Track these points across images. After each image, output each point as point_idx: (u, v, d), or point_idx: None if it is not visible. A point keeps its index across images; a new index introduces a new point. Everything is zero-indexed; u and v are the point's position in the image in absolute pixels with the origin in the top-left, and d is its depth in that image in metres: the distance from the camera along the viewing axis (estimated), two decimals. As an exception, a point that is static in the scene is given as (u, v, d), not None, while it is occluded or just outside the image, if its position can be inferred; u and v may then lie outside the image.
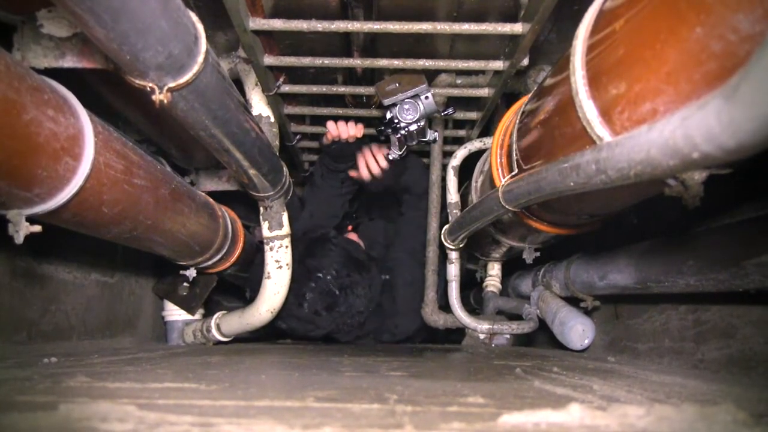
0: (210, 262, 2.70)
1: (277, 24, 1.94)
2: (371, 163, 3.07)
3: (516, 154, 1.74)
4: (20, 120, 1.23)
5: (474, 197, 2.58)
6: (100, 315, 2.81)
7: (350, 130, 2.93)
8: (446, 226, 2.77)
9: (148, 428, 0.78)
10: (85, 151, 1.48)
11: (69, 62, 1.76)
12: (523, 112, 1.73)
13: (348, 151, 3.13)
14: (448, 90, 2.57)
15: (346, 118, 2.94)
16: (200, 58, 1.31)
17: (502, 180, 1.87)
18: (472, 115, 2.85)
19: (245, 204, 3.09)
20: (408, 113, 2.38)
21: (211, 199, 2.60)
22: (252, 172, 2.16)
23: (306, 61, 2.19)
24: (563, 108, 1.29)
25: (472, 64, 2.25)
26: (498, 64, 2.23)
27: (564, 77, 1.26)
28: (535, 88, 1.69)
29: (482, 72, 2.54)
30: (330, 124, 2.93)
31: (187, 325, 3.24)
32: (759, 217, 1.70)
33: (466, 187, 2.88)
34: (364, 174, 3.12)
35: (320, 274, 2.98)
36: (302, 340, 3.48)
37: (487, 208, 1.88)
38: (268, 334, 3.44)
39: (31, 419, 0.83)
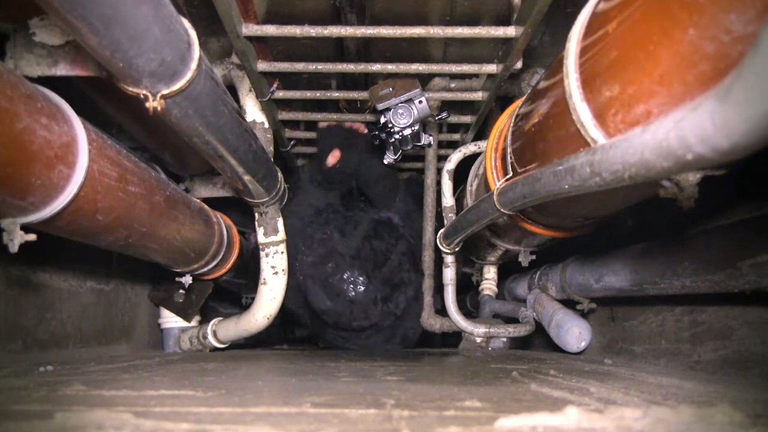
0: (206, 269, 2.69)
1: (270, 30, 1.94)
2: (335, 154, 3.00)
3: (510, 157, 1.75)
4: (13, 128, 1.23)
5: (469, 201, 2.58)
6: (95, 323, 2.80)
7: (330, 160, 2.95)
8: (442, 230, 2.77)
9: (144, 436, 0.78)
10: (79, 159, 1.48)
11: (62, 70, 1.76)
12: (517, 115, 1.73)
13: (346, 177, 3.12)
14: (442, 94, 2.57)
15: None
16: (193, 65, 1.31)
17: (497, 183, 1.87)
18: (466, 118, 2.85)
19: (240, 210, 3.08)
20: (402, 117, 2.38)
21: (206, 206, 2.59)
22: (247, 178, 2.15)
23: (299, 66, 2.19)
24: (557, 110, 1.29)
25: (466, 68, 2.25)
26: (491, 68, 2.23)
27: (558, 80, 1.26)
28: (529, 91, 1.69)
29: (476, 75, 2.55)
30: (333, 155, 2.93)
31: (183, 332, 3.24)
32: (753, 218, 1.70)
33: (461, 191, 2.88)
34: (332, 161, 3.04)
35: (386, 259, 2.90)
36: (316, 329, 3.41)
37: (482, 212, 1.88)
38: (285, 321, 3.37)
39: (27, 428, 0.83)
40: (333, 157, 2.94)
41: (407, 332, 3.23)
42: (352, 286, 2.71)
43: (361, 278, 2.73)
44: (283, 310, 2.91)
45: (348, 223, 2.89)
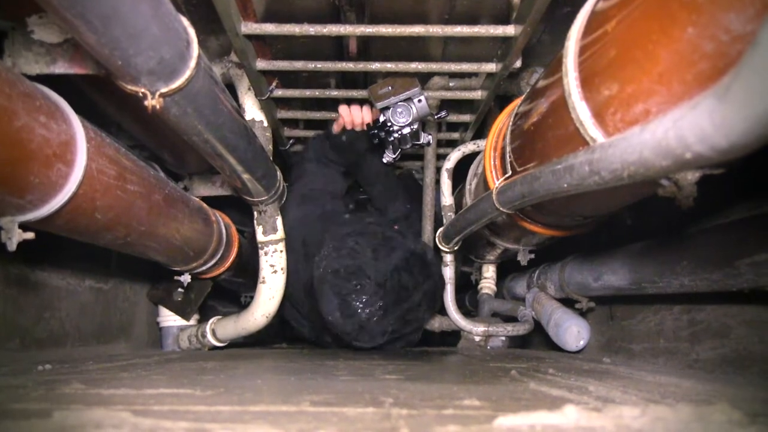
0: (204, 268, 2.69)
1: (269, 28, 1.94)
2: (355, 115, 2.91)
3: (509, 156, 1.74)
4: (12, 127, 1.23)
5: (468, 200, 2.58)
6: (94, 321, 2.80)
7: (365, 116, 2.77)
8: (441, 229, 2.77)
9: (143, 435, 0.78)
10: (78, 158, 1.48)
11: (60, 68, 1.76)
12: (516, 114, 1.73)
13: (358, 145, 2.94)
14: (441, 93, 2.57)
15: (360, 102, 2.78)
16: (192, 63, 1.30)
17: (495, 182, 1.87)
18: (466, 117, 2.85)
19: (239, 209, 3.08)
20: (401, 116, 2.37)
21: (204, 204, 2.59)
22: (245, 176, 2.15)
23: (298, 65, 2.19)
24: (556, 109, 1.29)
25: (465, 67, 2.25)
26: (491, 67, 2.23)
27: (557, 79, 1.26)
28: (528, 90, 1.69)
29: (475, 74, 2.54)
30: (343, 109, 2.76)
31: (182, 330, 3.24)
32: (752, 217, 1.70)
33: (460, 190, 2.88)
34: (346, 119, 2.94)
35: (408, 296, 2.73)
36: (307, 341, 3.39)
37: (481, 211, 1.88)
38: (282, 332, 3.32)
39: (26, 427, 0.83)
40: (338, 125, 2.85)
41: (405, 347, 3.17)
42: (368, 312, 2.67)
43: (380, 308, 2.70)
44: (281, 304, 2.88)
45: (384, 245, 2.83)
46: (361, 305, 2.59)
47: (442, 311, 3.07)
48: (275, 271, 2.71)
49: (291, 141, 3.14)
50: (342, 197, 3.25)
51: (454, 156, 3.00)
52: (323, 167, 3.09)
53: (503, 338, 3.06)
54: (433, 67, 2.26)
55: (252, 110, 2.58)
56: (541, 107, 1.43)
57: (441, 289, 3.00)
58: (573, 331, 2.51)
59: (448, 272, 2.98)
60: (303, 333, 3.16)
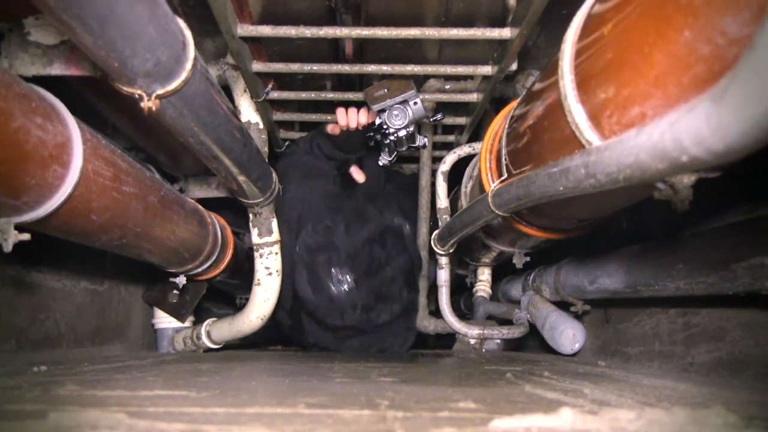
0: (200, 269, 2.69)
1: (266, 30, 1.94)
2: (351, 116, 2.89)
3: (505, 159, 1.75)
4: (7, 128, 1.23)
5: (464, 202, 2.58)
6: (89, 323, 2.79)
7: (360, 118, 2.75)
8: (436, 232, 2.77)
9: (138, 437, 0.78)
10: (74, 159, 1.47)
11: (57, 70, 1.76)
12: (512, 117, 1.74)
13: (355, 141, 2.92)
14: (437, 95, 2.57)
15: (357, 105, 2.77)
16: (188, 65, 1.30)
17: (491, 185, 1.87)
18: (461, 120, 2.85)
19: (235, 211, 3.08)
20: (397, 119, 2.37)
21: (200, 206, 2.59)
22: (241, 178, 2.15)
23: (294, 67, 2.19)
24: (552, 112, 1.29)
25: (461, 69, 2.25)
26: (487, 69, 2.23)
27: (553, 82, 1.26)
28: (524, 93, 1.69)
29: (471, 77, 2.55)
30: (340, 113, 2.74)
31: (177, 332, 3.23)
32: (748, 220, 1.71)
33: (456, 193, 2.88)
34: (342, 122, 2.92)
35: (380, 269, 2.77)
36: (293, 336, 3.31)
37: (476, 213, 1.89)
38: (279, 323, 3.21)
39: (21, 428, 0.82)
40: (334, 127, 2.82)
41: (394, 345, 3.13)
42: (336, 283, 2.66)
43: (349, 280, 2.68)
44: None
45: (358, 218, 2.80)
46: (329, 278, 2.58)
47: (438, 314, 3.08)
48: (270, 273, 2.71)
49: (287, 143, 3.14)
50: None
51: (450, 158, 3.01)
52: (315, 159, 3.07)
53: (498, 341, 3.06)
54: (429, 69, 2.26)
55: (248, 112, 2.58)
56: (537, 110, 1.43)
57: (419, 267, 2.97)
58: (568, 334, 2.51)
59: (444, 275, 2.98)
60: (283, 322, 3.15)
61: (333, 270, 2.64)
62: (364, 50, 2.46)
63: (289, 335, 3.24)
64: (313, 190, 2.94)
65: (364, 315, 2.71)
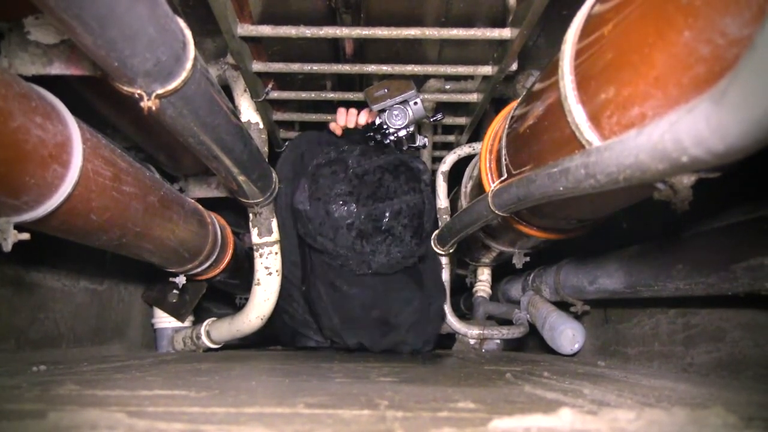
0: (200, 269, 2.69)
1: (266, 30, 1.94)
2: (350, 116, 2.76)
3: (505, 159, 1.75)
4: (7, 127, 1.23)
5: (464, 202, 2.58)
6: (89, 322, 2.79)
7: (360, 119, 2.73)
8: (436, 232, 2.77)
9: (138, 436, 0.78)
10: (74, 159, 1.47)
11: (57, 69, 1.76)
12: (512, 117, 1.74)
13: (355, 137, 2.82)
14: (437, 95, 2.57)
15: (357, 105, 2.74)
16: (188, 65, 1.30)
17: (491, 185, 1.87)
18: (461, 120, 2.85)
19: (235, 211, 3.08)
20: (397, 119, 2.37)
21: (200, 206, 2.59)
22: (241, 178, 2.15)
23: (295, 67, 2.19)
24: (552, 112, 1.29)
25: (461, 70, 2.25)
26: (487, 69, 2.23)
27: (553, 82, 1.26)
28: (524, 93, 1.69)
29: (471, 77, 2.55)
30: (340, 113, 2.72)
31: (176, 332, 3.23)
32: (748, 221, 1.71)
33: (456, 193, 2.89)
34: (341, 122, 2.82)
35: (386, 198, 2.55)
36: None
37: (476, 213, 1.89)
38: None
39: (20, 428, 0.82)
40: (336, 127, 2.77)
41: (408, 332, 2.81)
42: (336, 196, 2.48)
43: (350, 195, 2.52)
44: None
45: (376, 149, 2.64)
46: (329, 189, 2.47)
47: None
48: (270, 273, 2.71)
49: (287, 143, 3.13)
50: None
51: (450, 159, 3.01)
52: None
53: (498, 341, 3.06)
54: (429, 69, 2.26)
55: (248, 112, 2.57)
56: (537, 110, 1.43)
57: (431, 217, 2.74)
58: (568, 335, 2.51)
59: (444, 275, 2.98)
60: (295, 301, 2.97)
61: (336, 183, 2.51)
62: (365, 50, 2.46)
63: (302, 317, 3.00)
64: (317, 140, 2.85)
65: (358, 242, 2.55)
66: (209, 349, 3.11)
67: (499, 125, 1.94)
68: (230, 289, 3.49)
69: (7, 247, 1.40)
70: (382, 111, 2.37)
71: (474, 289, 3.53)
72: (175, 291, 3.16)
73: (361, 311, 2.73)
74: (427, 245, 2.84)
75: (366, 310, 2.73)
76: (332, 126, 2.78)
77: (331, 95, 2.56)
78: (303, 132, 3.00)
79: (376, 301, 2.73)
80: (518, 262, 2.52)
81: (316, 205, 2.50)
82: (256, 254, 2.72)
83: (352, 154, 2.56)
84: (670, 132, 0.70)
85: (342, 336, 2.75)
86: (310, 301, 2.89)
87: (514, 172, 1.68)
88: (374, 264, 2.57)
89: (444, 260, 2.94)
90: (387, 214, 2.48)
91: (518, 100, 1.76)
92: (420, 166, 2.64)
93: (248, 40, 2.03)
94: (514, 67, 2.14)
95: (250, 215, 2.68)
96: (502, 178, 1.79)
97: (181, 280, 2.69)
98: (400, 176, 2.52)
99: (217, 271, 2.87)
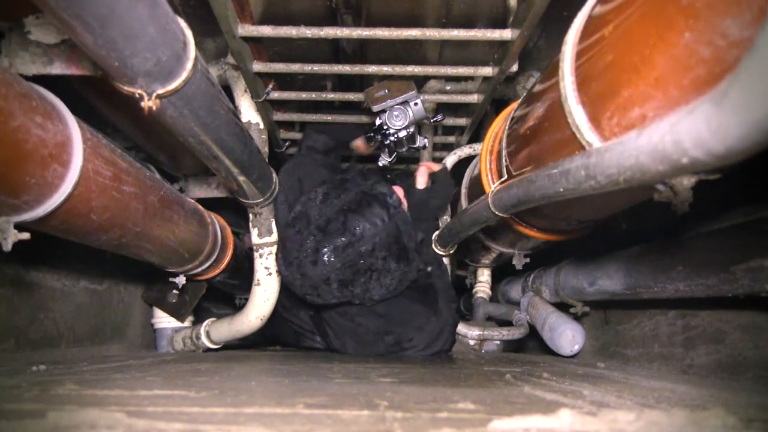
0: (199, 269, 2.69)
1: (266, 30, 1.94)
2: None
3: (505, 160, 1.75)
4: (7, 127, 1.23)
5: (464, 203, 2.58)
6: (89, 322, 2.79)
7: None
8: (436, 233, 2.77)
9: (137, 436, 0.78)
10: (74, 158, 1.47)
11: (57, 69, 1.76)
12: (512, 118, 1.74)
13: (348, 127, 2.96)
14: (438, 96, 2.57)
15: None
16: (189, 65, 1.30)
17: (491, 186, 1.87)
18: (462, 121, 2.85)
19: (235, 211, 3.08)
20: (397, 119, 2.37)
21: (200, 206, 2.59)
22: (241, 178, 2.15)
23: (295, 67, 2.19)
24: (552, 114, 1.29)
25: (462, 71, 2.25)
26: (487, 70, 2.23)
27: (553, 83, 1.26)
28: (525, 94, 1.69)
29: (471, 78, 2.55)
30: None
31: (176, 332, 3.23)
32: (747, 223, 1.71)
33: (456, 194, 2.88)
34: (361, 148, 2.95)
35: (356, 240, 2.50)
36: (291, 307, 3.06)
37: (477, 214, 1.89)
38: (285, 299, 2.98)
39: (20, 427, 0.82)
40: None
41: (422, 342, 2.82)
42: (305, 257, 2.45)
43: (318, 252, 2.47)
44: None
45: (337, 188, 2.63)
46: (297, 252, 2.46)
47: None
48: (270, 274, 2.71)
49: (287, 143, 3.13)
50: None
51: (450, 159, 3.01)
52: (314, 165, 2.98)
53: (498, 342, 3.06)
54: (430, 70, 2.26)
55: (248, 112, 2.57)
56: (538, 111, 1.43)
57: (409, 237, 2.68)
58: (568, 336, 2.51)
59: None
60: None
61: (302, 243, 2.51)
62: (365, 51, 2.46)
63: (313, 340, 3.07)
64: (317, 163, 2.89)
65: (346, 290, 2.53)
66: (209, 350, 3.11)
67: (499, 126, 1.94)
68: (230, 290, 3.49)
69: (7, 246, 1.40)
70: (383, 111, 2.37)
71: (474, 290, 3.52)
72: (174, 291, 3.16)
73: (374, 338, 2.73)
74: (425, 254, 2.85)
75: (379, 337, 2.74)
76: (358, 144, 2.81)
77: (331, 96, 2.56)
78: (298, 161, 3.00)
79: (390, 327, 2.73)
80: (518, 263, 2.52)
81: (291, 270, 2.49)
82: (256, 254, 2.71)
83: (315, 201, 2.56)
84: (671, 133, 0.70)
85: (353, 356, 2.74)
86: (319, 326, 2.91)
87: (514, 173, 1.68)
88: (376, 295, 2.57)
89: (444, 261, 2.94)
90: (362, 256, 2.47)
91: (519, 101, 1.76)
92: (383, 190, 2.62)
93: (249, 40, 2.03)
94: (515, 68, 2.13)
95: (250, 215, 2.68)
96: (503, 179, 1.79)
97: (180, 280, 2.68)
98: (365, 210, 2.50)
99: (217, 271, 2.87)
